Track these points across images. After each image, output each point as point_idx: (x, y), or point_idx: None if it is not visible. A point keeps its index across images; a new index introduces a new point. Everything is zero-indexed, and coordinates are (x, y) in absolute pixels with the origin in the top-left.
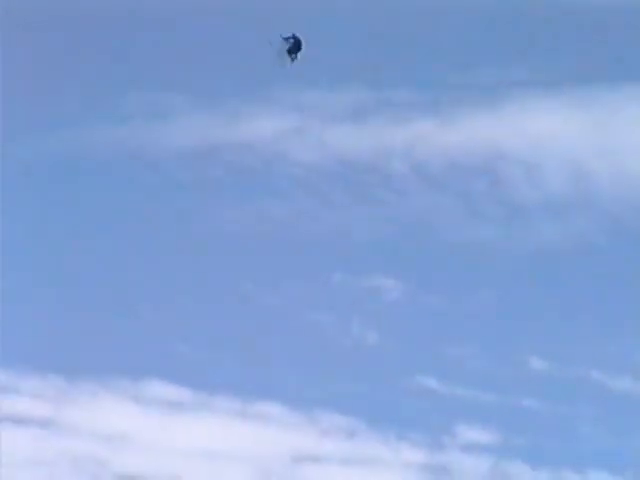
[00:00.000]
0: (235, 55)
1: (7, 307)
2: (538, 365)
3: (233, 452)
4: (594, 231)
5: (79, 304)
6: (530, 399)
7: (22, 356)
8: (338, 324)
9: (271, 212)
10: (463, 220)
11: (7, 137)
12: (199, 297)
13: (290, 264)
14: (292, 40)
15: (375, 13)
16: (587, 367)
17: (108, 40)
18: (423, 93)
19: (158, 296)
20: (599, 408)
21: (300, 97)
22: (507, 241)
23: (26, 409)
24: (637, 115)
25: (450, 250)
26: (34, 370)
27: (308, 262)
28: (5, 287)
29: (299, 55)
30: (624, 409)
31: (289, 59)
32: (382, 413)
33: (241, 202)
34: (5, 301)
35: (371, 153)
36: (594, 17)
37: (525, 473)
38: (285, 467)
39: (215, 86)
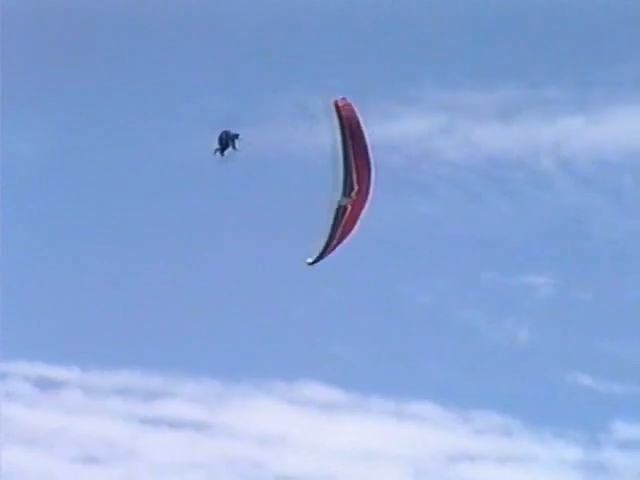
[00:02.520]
0: (384, 55)
1: (164, 312)
2: None
3: (388, 452)
4: None
5: (233, 307)
6: None
7: (177, 360)
8: (491, 322)
9: (420, 211)
10: (613, 216)
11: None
12: (352, 297)
13: (441, 263)
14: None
15: (523, 11)
16: None
17: (263, 41)
18: (571, 90)
19: (312, 297)
20: None
21: (449, 96)
22: None
23: (182, 412)
24: None
25: (600, 246)
26: (190, 374)
27: (459, 260)
28: (163, 291)
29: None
30: None
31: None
32: (537, 411)
33: (390, 201)
34: (161, 306)
35: (520, 151)
36: None
37: None
38: (441, 467)
39: (362, 85)
